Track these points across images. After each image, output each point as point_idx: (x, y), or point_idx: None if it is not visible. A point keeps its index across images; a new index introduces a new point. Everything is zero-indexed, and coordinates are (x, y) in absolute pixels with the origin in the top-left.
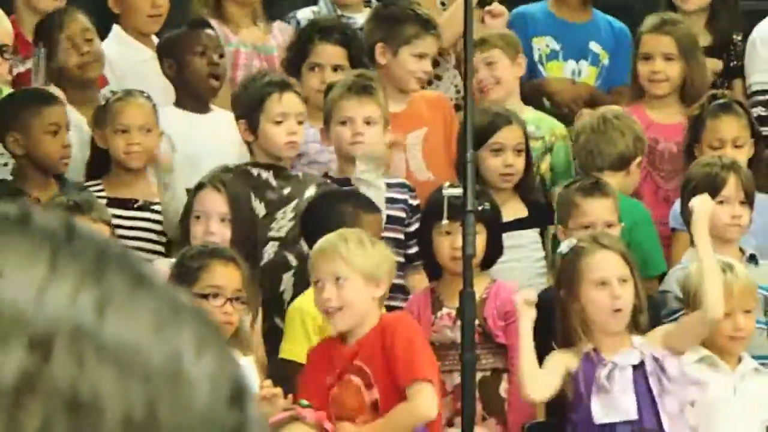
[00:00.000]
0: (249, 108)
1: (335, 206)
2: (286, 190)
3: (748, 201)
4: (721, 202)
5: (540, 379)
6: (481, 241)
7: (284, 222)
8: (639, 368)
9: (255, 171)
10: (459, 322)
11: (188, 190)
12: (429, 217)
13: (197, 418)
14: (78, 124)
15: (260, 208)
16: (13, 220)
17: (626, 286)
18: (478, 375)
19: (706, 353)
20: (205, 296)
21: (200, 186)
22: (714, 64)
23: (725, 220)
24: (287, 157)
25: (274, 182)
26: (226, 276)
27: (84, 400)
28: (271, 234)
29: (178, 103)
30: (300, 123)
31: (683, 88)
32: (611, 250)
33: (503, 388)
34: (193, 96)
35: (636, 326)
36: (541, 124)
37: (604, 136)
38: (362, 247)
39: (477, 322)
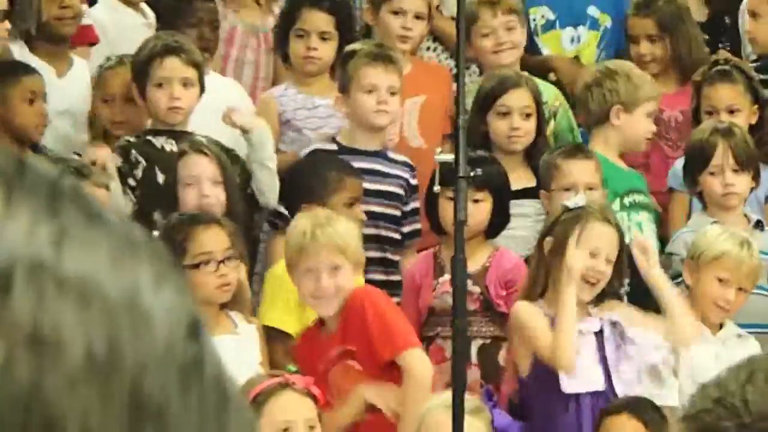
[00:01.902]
0: (137, 72)
1: (318, 171)
2: None
3: (745, 167)
4: (712, 173)
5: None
6: (486, 208)
7: None
8: (599, 335)
9: (158, 143)
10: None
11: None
12: (428, 184)
13: (157, 350)
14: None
15: (162, 179)
16: None
17: (609, 267)
18: (478, 342)
19: None
20: (196, 266)
21: (182, 153)
22: None
23: (718, 190)
24: (177, 122)
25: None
26: (213, 239)
27: (45, 335)
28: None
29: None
30: (185, 86)
31: (681, 59)
32: (612, 227)
33: (502, 356)
34: None
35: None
36: (544, 90)
37: (611, 80)
38: (351, 234)
39: (479, 290)
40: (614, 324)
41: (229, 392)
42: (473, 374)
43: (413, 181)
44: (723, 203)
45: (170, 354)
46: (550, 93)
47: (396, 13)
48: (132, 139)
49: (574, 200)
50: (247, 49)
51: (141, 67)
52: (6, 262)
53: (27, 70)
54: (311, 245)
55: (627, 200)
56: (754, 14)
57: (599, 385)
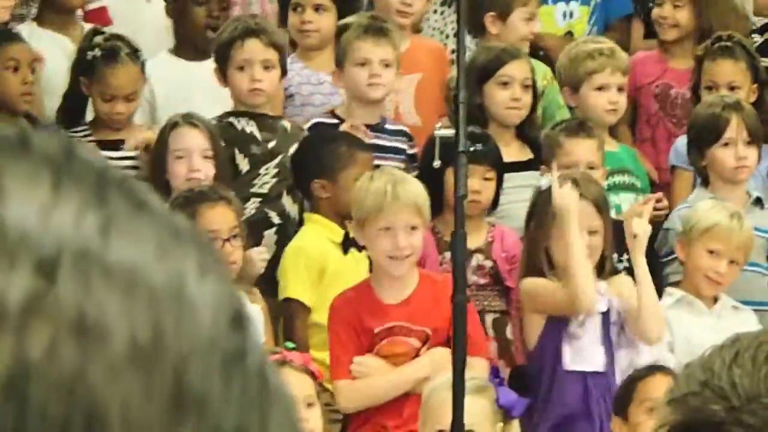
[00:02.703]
0: (219, 55)
1: (329, 146)
2: (272, 144)
3: (755, 141)
4: (725, 145)
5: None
6: (492, 185)
7: (267, 178)
8: (605, 316)
9: (238, 124)
10: (471, 263)
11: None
12: (427, 160)
13: (201, 340)
14: (63, 48)
15: (244, 164)
16: (13, 142)
17: (595, 236)
18: (491, 316)
19: (682, 294)
20: None
21: (174, 125)
22: None
23: (731, 164)
24: (258, 104)
25: (258, 135)
26: (219, 217)
27: (90, 322)
28: (253, 190)
29: (175, 50)
30: (266, 69)
31: (703, 33)
32: (585, 200)
33: (509, 330)
34: (189, 43)
35: (601, 271)
36: (534, 67)
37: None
38: (425, 195)
39: (490, 263)
40: (619, 312)
41: (271, 383)
42: (491, 347)
43: (411, 151)
44: (733, 176)
45: (214, 344)
46: (539, 70)
47: None
48: (213, 121)
49: (544, 181)
50: (249, 9)
51: (222, 49)
52: (53, 249)
53: (10, 38)
54: (392, 204)
55: (609, 181)
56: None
57: (600, 366)
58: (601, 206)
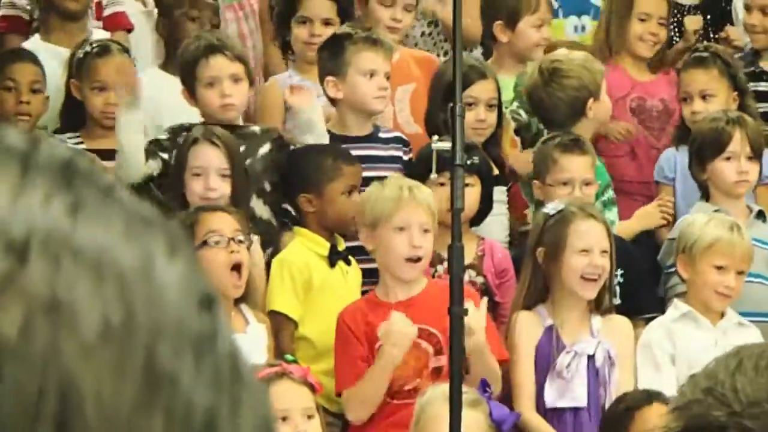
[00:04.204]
0: (185, 73)
1: (314, 160)
2: (241, 149)
3: (756, 155)
4: (728, 158)
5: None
6: (475, 193)
7: None
8: (592, 356)
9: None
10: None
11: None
12: (420, 171)
13: (170, 320)
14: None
15: None
16: None
17: (606, 258)
18: None
19: (688, 309)
20: (205, 243)
21: (194, 141)
22: (694, 23)
23: (732, 177)
24: (231, 118)
25: None
26: (221, 221)
27: (62, 302)
28: None
29: (164, 66)
30: (235, 82)
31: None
32: (598, 221)
33: None
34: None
35: (598, 305)
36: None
37: (549, 89)
38: (433, 199)
39: (481, 279)
40: (609, 357)
41: (242, 368)
42: None
43: (406, 157)
44: (733, 190)
45: (183, 324)
46: None
47: (385, 4)
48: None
49: (552, 206)
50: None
51: (187, 68)
52: (22, 232)
53: (16, 57)
54: (410, 202)
55: (604, 197)
56: (764, 9)
57: (582, 402)
58: (610, 232)
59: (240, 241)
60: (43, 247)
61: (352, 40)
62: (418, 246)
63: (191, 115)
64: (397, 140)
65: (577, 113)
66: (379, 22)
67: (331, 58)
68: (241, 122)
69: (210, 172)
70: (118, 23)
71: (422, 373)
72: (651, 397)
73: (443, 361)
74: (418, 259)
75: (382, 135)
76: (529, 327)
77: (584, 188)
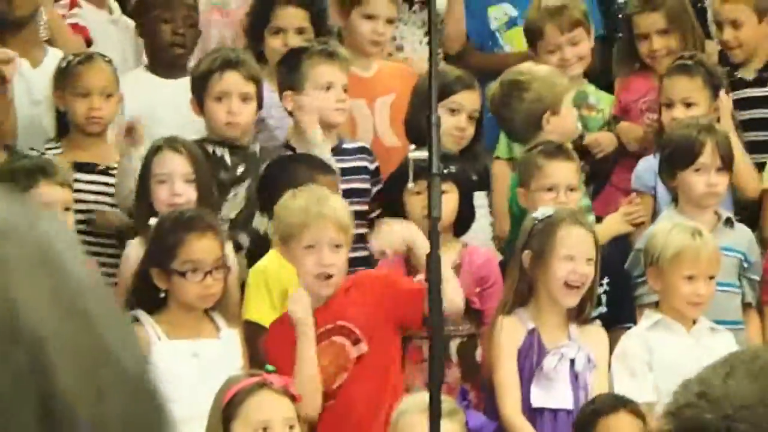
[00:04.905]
0: (196, 85)
1: (289, 170)
2: (240, 169)
3: (726, 167)
4: (697, 170)
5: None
6: (452, 200)
7: (235, 203)
8: (573, 361)
9: (210, 147)
10: None
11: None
12: (398, 181)
13: None
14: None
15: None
16: None
17: (590, 266)
18: (456, 341)
19: (660, 317)
20: (183, 273)
21: (158, 149)
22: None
23: (701, 189)
24: (232, 137)
25: (228, 160)
26: (205, 248)
27: None
28: (222, 215)
29: (149, 67)
30: (244, 101)
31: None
32: (586, 229)
33: (479, 353)
34: (159, 61)
35: (580, 313)
36: (600, 97)
37: (507, 101)
38: (347, 212)
39: None
40: (589, 360)
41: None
42: (453, 373)
43: (372, 166)
44: (701, 202)
45: None
46: (606, 100)
47: (368, 17)
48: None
49: (541, 211)
50: (210, 27)
51: (199, 80)
52: None
53: None
54: (317, 220)
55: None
56: (734, 23)
57: (568, 404)
58: (597, 242)
59: (218, 269)
60: None
61: (308, 53)
62: (329, 263)
63: (168, 114)
64: (361, 150)
65: (532, 126)
66: (361, 35)
67: (289, 72)
68: (243, 143)
69: (174, 178)
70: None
71: (346, 367)
72: (619, 404)
73: (364, 348)
74: (329, 276)
75: (346, 146)
76: (512, 330)
77: (569, 194)
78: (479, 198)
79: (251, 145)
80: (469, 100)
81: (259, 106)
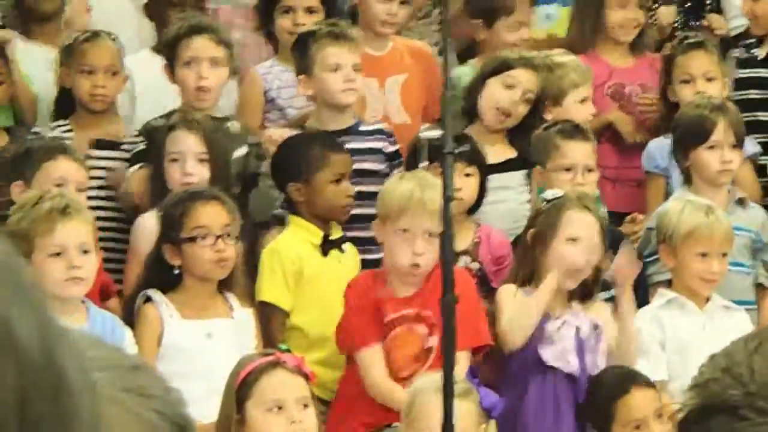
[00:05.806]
0: (167, 52)
1: (302, 149)
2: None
3: (739, 143)
4: (711, 147)
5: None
6: (474, 183)
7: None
8: (579, 330)
9: None
10: (458, 265)
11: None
12: (413, 162)
13: None
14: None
15: None
16: None
17: (595, 251)
18: None
19: (673, 296)
20: (193, 239)
21: (171, 127)
22: (669, 16)
23: (715, 167)
24: (205, 107)
25: None
26: (211, 214)
27: None
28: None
29: (156, 48)
30: (214, 66)
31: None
32: (593, 215)
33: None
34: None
35: (585, 295)
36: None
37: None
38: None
39: (477, 266)
40: (596, 326)
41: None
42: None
43: (391, 149)
44: (716, 179)
45: None
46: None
47: None
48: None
49: (551, 192)
50: (234, 28)
51: (170, 46)
52: None
53: None
54: (415, 205)
55: None
56: None
57: (574, 368)
58: (603, 229)
59: (228, 235)
60: None
61: (315, 36)
62: (419, 253)
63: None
64: (379, 132)
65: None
66: (375, 15)
67: (300, 57)
68: (218, 114)
69: (187, 157)
70: None
71: (420, 358)
72: (627, 382)
73: (435, 341)
74: (418, 266)
75: (362, 128)
76: (513, 291)
77: (587, 174)
78: (506, 179)
79: (228, 122)
80: (526, 77)
81: (233, 72)
